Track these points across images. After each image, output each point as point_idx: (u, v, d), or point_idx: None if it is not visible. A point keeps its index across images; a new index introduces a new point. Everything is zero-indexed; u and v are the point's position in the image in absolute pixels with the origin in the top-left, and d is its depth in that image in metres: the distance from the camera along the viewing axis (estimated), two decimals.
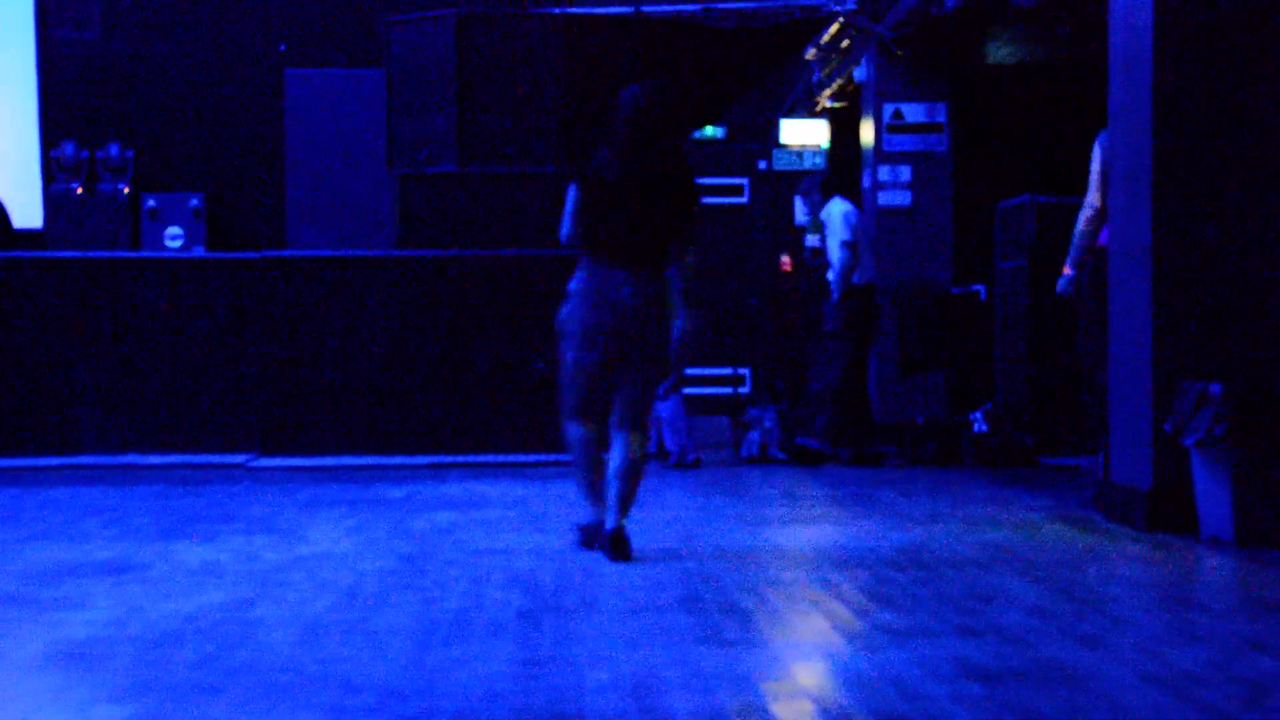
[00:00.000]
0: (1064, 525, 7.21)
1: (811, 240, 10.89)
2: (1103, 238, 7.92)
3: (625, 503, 6.21)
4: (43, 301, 10.65)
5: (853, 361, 10.54)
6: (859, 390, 10.60)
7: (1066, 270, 8.21)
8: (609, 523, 6.19)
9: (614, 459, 6.25)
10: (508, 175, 11.80)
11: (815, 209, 10.83)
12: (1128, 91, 7.19)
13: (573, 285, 6.32)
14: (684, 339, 6.56)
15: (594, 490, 6.31)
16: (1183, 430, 6.61)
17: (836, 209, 10.60)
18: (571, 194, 6.34)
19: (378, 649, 4.42)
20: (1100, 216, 7.91)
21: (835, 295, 10.51)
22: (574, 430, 6.35)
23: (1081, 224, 8.06)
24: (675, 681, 3.97)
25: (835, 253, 10.50)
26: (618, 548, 6.11)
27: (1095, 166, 7.93)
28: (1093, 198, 7.94)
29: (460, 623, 4.80)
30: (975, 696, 3.79)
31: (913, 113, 12.93)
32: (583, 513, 6.41)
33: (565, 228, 6.36)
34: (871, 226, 12.07)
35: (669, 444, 10.50)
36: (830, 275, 10.61)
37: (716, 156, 16.81)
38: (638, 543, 6.32)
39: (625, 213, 6.22)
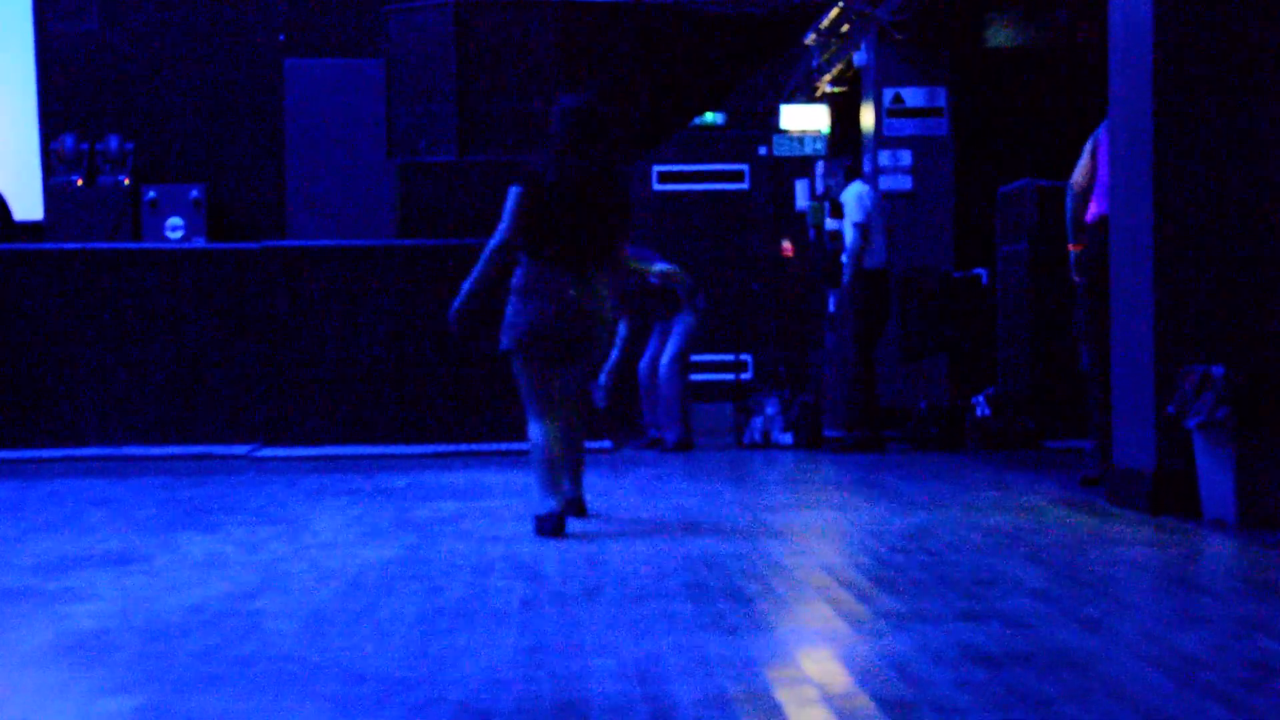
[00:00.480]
0: (1067, 509, 7.22)
1: (832, 224, 10.80)
2: (1092, 212, 7.97)
3: (579, 472, 6.88)
4: (44, 294, 10.66)
5: (865, 347, 10.51)
6: (869, 376, 10.56)
7: (1072, 248, 8.24)
8: (569, 492, 6.79)
9: (567, 438, 6.77)
10: (508, 164, 11.78)
11: (834, 191, 10.71)
12: (1128, 75, 7.19)
13: (515, 284, 6.64)
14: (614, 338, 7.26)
15: (555, 484, 6.53)
16: (1185, 413, 6.61)
17: (852, 190, 10.55)
18: (512, 197, 6.60)
19: (382, 638, 4.43)
20: (1081, 195, 8.04)
21: (845, 277, 10.44)
22: (538, 430, 6.62)
23: (1068, 206, 8.19)
24: (679, 668, 3.98)
25: (848, 235, 10.44)
26: (579, 510, 6.89)
27: (1087, 148, 8.04)
28: (1075, 177, 8.07)
29: (464, 612, 4.81)
30: (978, 681, 3.80)
31: (913, 97, 12.91)
32: (539, 504, 6.55)
33: (503, 231, 6.61)
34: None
35: (647, 418, 10.70)
36: (844, 258, 10.54)
37: (716, 143, 16.80)
38: (641, 527, 6.32)
39: (567, 214, 6.55)
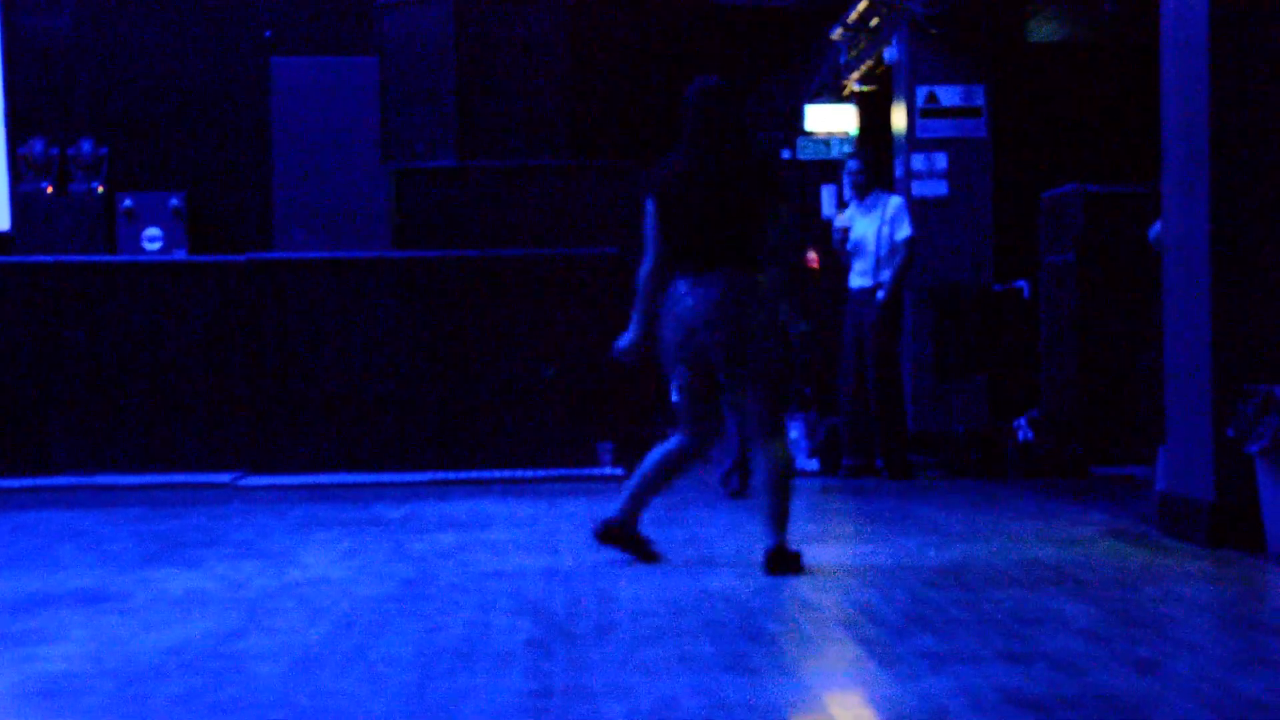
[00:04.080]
0: (1118, 541, 7.20)
1: (842, 219, 10.68)
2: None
3: (775, 517, 6.47)
4: (11, 310, 10.68)
5: (893, 367, 10.51)
6: (897, 396, 10.54)
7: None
8: (764, 538, 6.47)
9: (759, 473, 6.52)
10: (511, 169, 11.82)
11: (864, 187, 10.58)
12: (1181, 72, 7.17)
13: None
14: (797, 342, 6.75)
15: (642, 502, 6.65)
16: (1246, 437, 6.59)
17: (895, 199, 10.54)
18: (649, 214, 6.50)
19: (376, 681, 4.43)
20: None
21: (883, 294, 10.37)
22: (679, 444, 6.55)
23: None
24: (697, 713, 3.97)
25: (884, 246, 10.36)
26: (781, 563, 6.41)
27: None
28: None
29: (465, 652, 4.81)
30: None
31: (948, 96, 12.92)
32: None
33: (649, 255, 6.51)
34: None
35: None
36: (863, 268, 10.47)
37: None
38: (655, 560, 6.32)
39: (691, 216, 6.41)
